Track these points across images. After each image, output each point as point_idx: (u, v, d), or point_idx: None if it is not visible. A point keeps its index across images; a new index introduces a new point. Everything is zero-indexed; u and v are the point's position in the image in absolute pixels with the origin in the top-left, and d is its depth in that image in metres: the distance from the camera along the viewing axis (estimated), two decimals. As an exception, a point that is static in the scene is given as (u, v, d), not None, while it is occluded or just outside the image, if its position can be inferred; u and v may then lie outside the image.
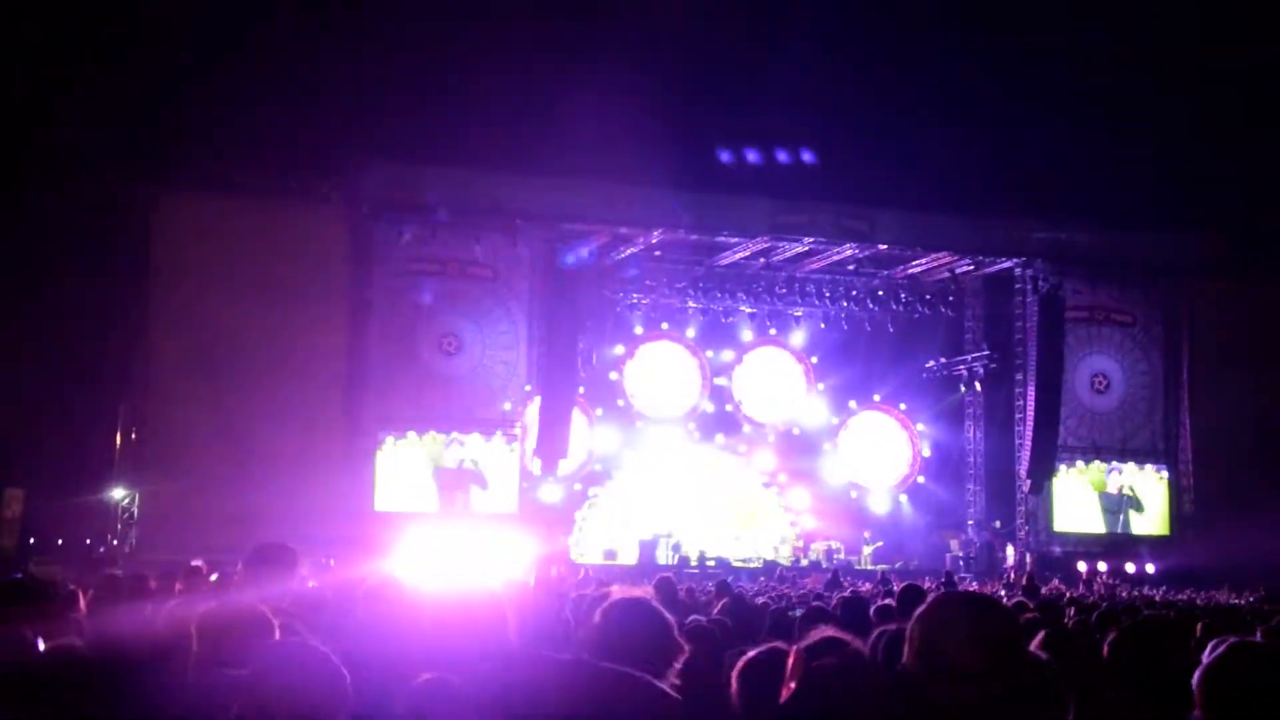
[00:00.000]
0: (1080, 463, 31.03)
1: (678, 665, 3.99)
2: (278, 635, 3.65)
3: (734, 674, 4.13)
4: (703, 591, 13.91)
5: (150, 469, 25.69)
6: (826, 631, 4.76)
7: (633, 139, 25.71)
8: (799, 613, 7.91)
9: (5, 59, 24.76)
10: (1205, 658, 5.39)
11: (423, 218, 27.25)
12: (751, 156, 28.44)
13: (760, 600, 11.79)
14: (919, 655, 2.97)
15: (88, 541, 27.79)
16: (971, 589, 21.64)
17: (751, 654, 4.09)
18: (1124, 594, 22.90)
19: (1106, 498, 31.04)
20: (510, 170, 27.43)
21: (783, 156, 28.08)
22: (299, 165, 27.36)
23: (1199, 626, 7.42)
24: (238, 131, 26.69)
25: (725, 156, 28.21)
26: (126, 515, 26.14)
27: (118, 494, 26.37)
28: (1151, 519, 31.34)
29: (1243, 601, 20.53)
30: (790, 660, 3.59)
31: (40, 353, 27.34)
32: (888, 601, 8.34)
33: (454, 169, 27.39)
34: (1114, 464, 31.12)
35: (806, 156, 28.42)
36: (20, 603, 4.34)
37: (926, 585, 13.17)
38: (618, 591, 4.27)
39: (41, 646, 3.91)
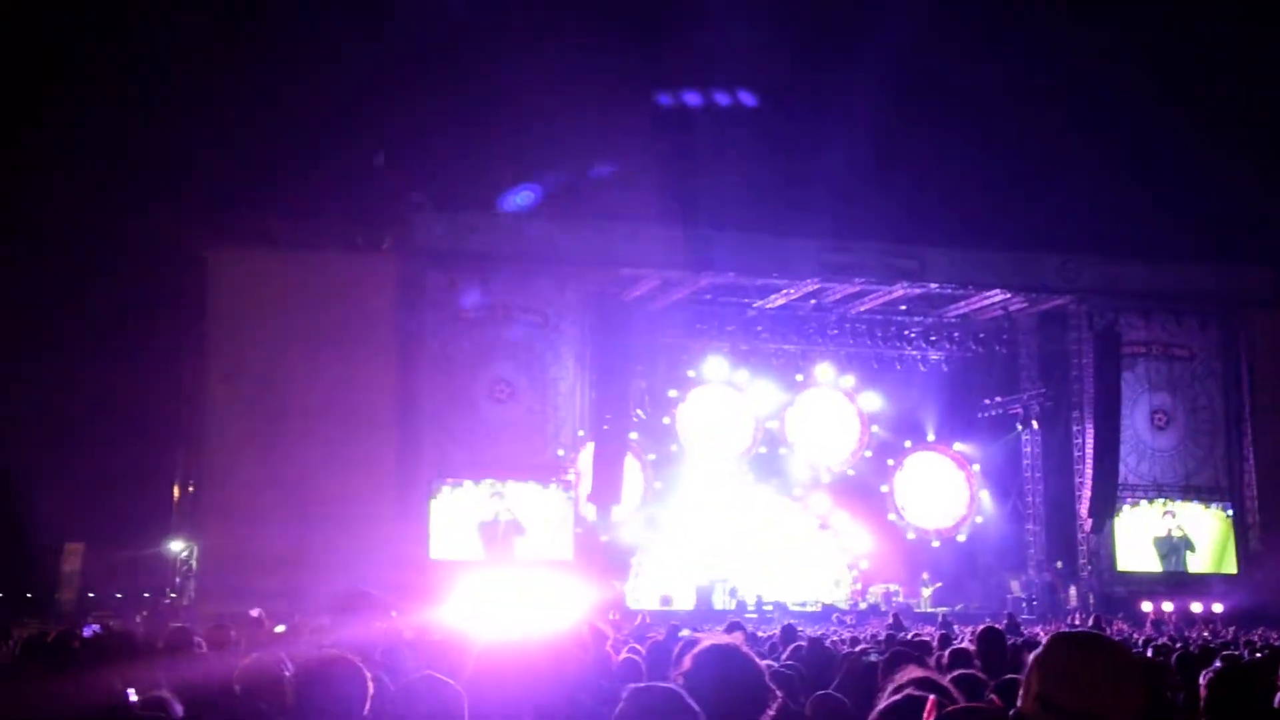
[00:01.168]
0: (1143, 501, 30.53)
1: (771, 712, 3.89)
2: (370, 685, 3.60)
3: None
4: (766, 638, 13.70)
5: (208, 520, 25.82)
6: (915, 672, 4.65)
7: (682, 184, 25.81)
8: (874, 657, 7.75)
9: (64, 111, 25.22)
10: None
11: (472, 265, 27.40)
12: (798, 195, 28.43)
13: (829, 643, 11.60)
14: (1040, 699, 2.86)
15: (146, 594, 28.00)
16: (1084, 630, 21.29)
17: (890, 700, 3.97)
18: (1194, 634, 22.41)
19: (1160, 541, 30.50)
20: (560, 216, 27.56)
21: (831, 195, 28.00)
22: (350, 215, 27.67)
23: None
24: (291, 182, 27.06)
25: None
26: (185, 567, 26.27)
27: (176, 546, 26.53)
28: (1209, 558, 30.73)
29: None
30: (928, 708, 3.49)
31: (96, 407, 27.68)
32: (965, 645, 8.16)
33: (504, 216, 27.56)
34: (1167, 508, 30.57)
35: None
36: (107, 655, 4.31)
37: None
38: (708, 637, 4.17)
39: (133, 697, 3.88)
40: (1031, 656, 2.99)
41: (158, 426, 27.98)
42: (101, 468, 28.51)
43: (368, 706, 3.55)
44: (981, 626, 8.07)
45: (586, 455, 28.01)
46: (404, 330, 27.32)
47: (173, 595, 26.31)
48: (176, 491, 27.08)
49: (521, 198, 27.16)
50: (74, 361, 27.19)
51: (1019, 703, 2.98)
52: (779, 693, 4.02)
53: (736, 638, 4.70)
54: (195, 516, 26.26)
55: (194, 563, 26.10)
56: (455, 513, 27.39)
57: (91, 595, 27.54)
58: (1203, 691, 5.21)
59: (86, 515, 27.44)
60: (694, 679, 3.88)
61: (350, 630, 5.14)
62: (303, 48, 27.25)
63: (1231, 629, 23.96)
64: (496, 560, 27.30)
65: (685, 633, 9.86)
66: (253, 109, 27.70)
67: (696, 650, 4.00)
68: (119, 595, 29.32)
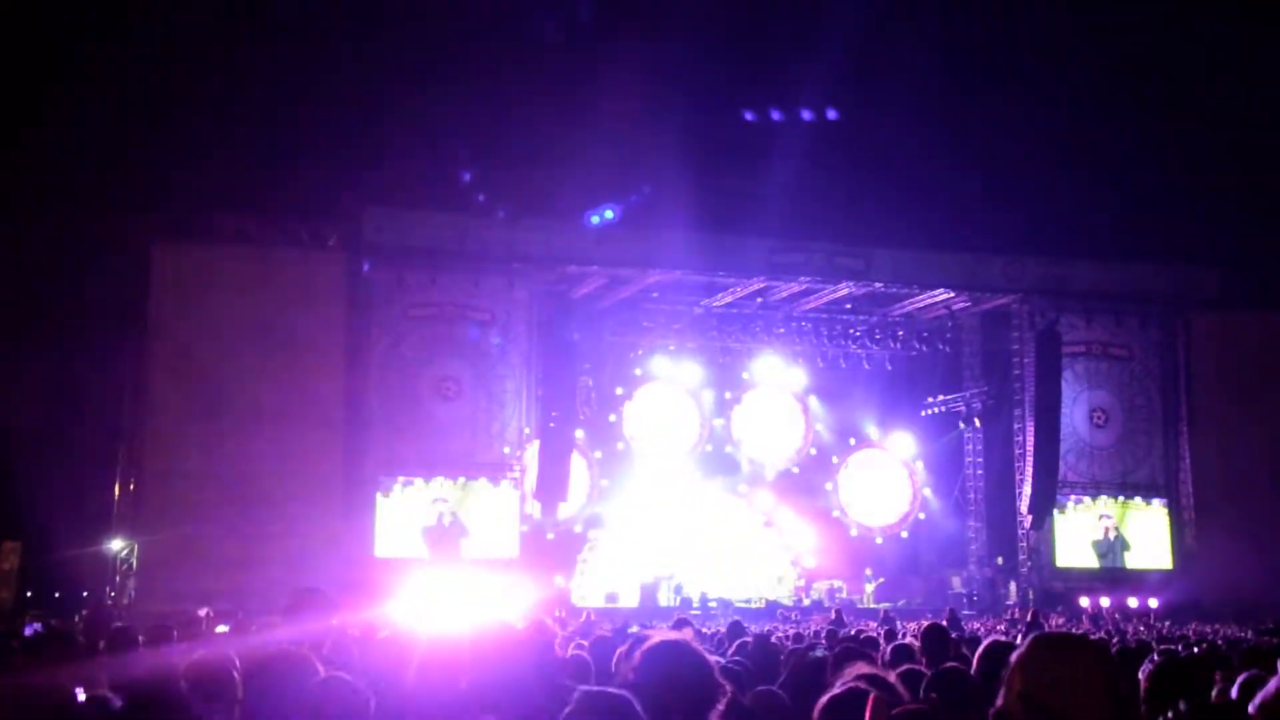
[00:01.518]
0: (1084, 499, 30.94)
1: (720, 707, 3.93)
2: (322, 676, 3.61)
3: (817, 713, 4.11)
4: (712, 634, 13.78)
5: (149, 519, 25.50)
6: (863, 669, 4.73)
7: (629, 180, 25.84)
8: (820, 653, 7.83)
9: (5, 103, 24.85)
10: (1238, 691, 5.36)
11: (420, 262, 27.30)
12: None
13: (774, 640, 11.68)
14: (1023, 698, 2.94)
15: (85, 594, 27.59)
16: (1060, 630, 21.61)
17: (833, 693, 4.04)
18: (1130, 629, 22.77)
19: (1097, 544, 30.95)
20: (507, 213, 27.51)
21: (779, 193, 28.13)
22: (296, 211, 27.44)
23: (1234, 659, 7.37)
24: (235, 177, 26.79)
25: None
26: (125, 566, 25.93)
27: (116, 545, 26.17)
28: (1146, 553, 31.21)
29: (1248, 634, 20.44)
30: (870, 702, 3.55)
31: (35, 403, 27.25)
32: (908, 641, 8.26)
33: (451, 213, 27.46)
34: (1103, 511, 31.00)
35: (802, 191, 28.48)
36: (49, 654, 4.27)
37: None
38: (658, 634, 4.21)
39: (81, 696, 3.86)
40: (1013, 657, 3.06)
41: (98, 423, 27.60)
42: (39, 465, 28.08)
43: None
44: (926, 623, 8.18)
45: (533, 453, 28.00)
46: (351, 327, 27.16)
47: (112, 595, 25.94)
48: (117, 490, 26.71)
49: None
50: (12, 356, 26.73)
51: (999, 701, 3.05)
52: (728, 687, 4.06)
53: (686, 634, 4.75)
54: (136, 515, 25.92)
55: (134, 562, 25.77)
56: (401, 511, 27.26)
57: (29, 594, 27.11)
58: (1143, 685, 5.31)
59: (24, 514, 27.00)
60: (644, 675, 3.91)
61: (300, 628, 5.14)
62: (250, 41, 26.99)
63: (1167, 623, 24.40)
64: (442, 561, 27.21)
65: (634, 629, 9.92)
66: (199, 102, 27.40)
67: (646, 646, 4.04)
68: (57, 595, 28.90)
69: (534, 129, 27.56)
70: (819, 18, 28.48)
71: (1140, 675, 5.39)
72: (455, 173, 26.94)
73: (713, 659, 7.45)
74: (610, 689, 3.73)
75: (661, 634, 4.37)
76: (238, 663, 3.89)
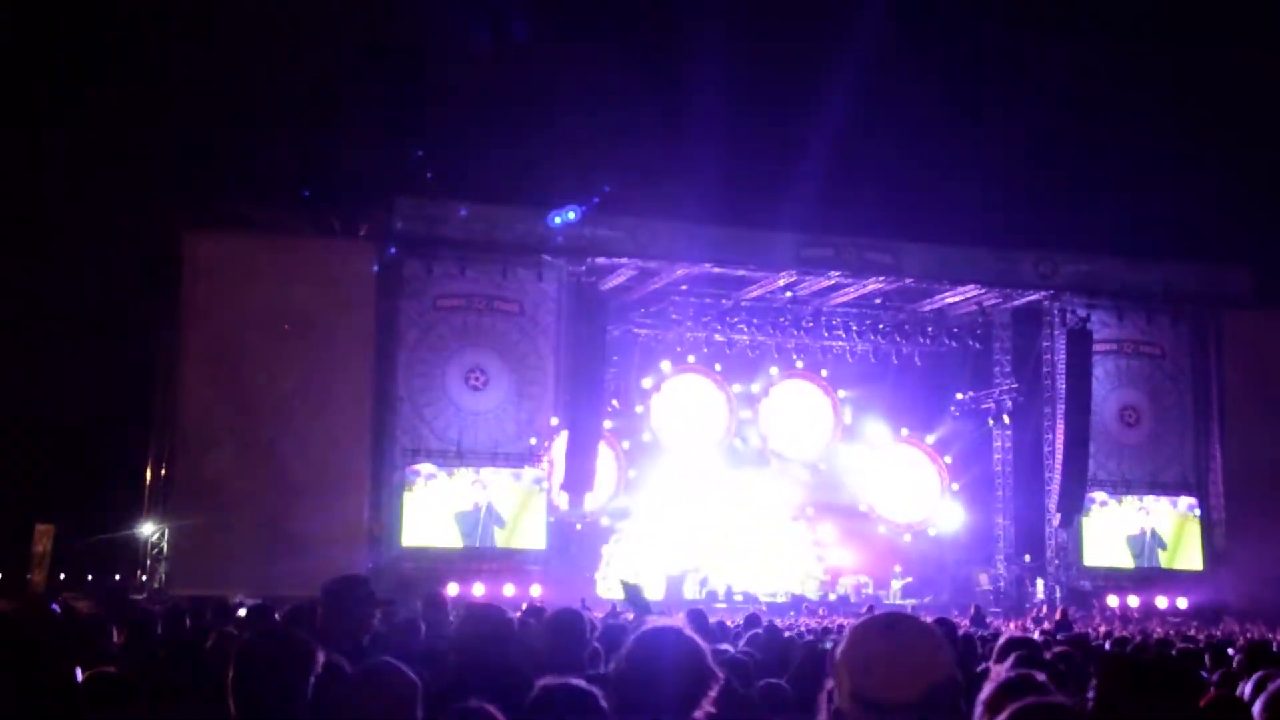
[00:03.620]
0: (1113, 497, 30.76)
1: (712, 694, 3.94)
2: (319, 664, 3.66)
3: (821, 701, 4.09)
4: (733, 625, 13.81)
5: (180, 504, 25.76)
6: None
7: (660, 173, 25.87)
8: (830, 645, 7.86)
9: (42, 97, 25.15)
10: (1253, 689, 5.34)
11: (450, 253, 27.44)
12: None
13: (788, 634, 11.71)
14: (854, 697, 2.71)
15: (117, 577, 27.95)
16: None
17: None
18: (1157, 629, 22.65)
19: (1133, 539, 30.75)
20: (536, 204, 27.61)
21: (808, 187, 28.08)
22: (327, 201, 27.64)
23: (1234, 660, 7.35)
24: (267, 167, 26.99)
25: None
26: (156, 550, 26.22)
27: (147, 529, 26.48)
28: (1180, 554, 31.02)
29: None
30: None
31: (69, 389, 27.61)
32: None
33: (481, 204, 27.58)
34: (1140, 507, 30.81)
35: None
36: (56, 633, 4.37)
37: (956, 618, 13.07)
38: (652, 621, 4.25)
39: (80, 676, 3.95)
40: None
41: (131, 409, 27.92)
42: (73, 449, 28.46)
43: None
44: (935, 618, 8.20)
45: (560, 444, 28.08)
46: (381, 317, 27.32)
47: (143, 578, 26.24)
48: (149, 475, 27.01)
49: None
50: (46, 344, 27.08)
51: (835, 702, 2.78)
52: (720, 675, 4.09)
53: (678, 619, 4.79)
54: (167, 500, 26.20)
55: (165, 546, 26.06)
56: (431, 500, 27.42)
57: (63, 576, 27.48)
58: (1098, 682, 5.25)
59: (58, 497, 27.37)
60: (631, 661, 3.94)
61: (339, 614, 5.23)
62: (280, 31, 27.19)
63: (1194, 624, 24.26)
64: (474, 548, 27.39)
65: (654, 618, 9.99)
66: (231, 91, 27.64)
67: (638, 632, 4.08)
68: (90, 578, 29.29)
69: (563, 119, 27.62)
70: (855, 12, 28.45)
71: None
72: (484, 162, 27.00)
73: (723, 647, 7.49)
74: (572, 680, 3.77)
75: (656, 620, 4.41)
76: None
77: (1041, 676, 3.82)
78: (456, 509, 27.41)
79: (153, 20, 26.10)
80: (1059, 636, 10.20)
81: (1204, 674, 6.97)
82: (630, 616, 12.73)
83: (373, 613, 5.86)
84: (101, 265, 26.98)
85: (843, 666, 2.74)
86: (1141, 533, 30.77)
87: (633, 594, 8.05)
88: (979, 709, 3.48)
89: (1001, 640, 6.89)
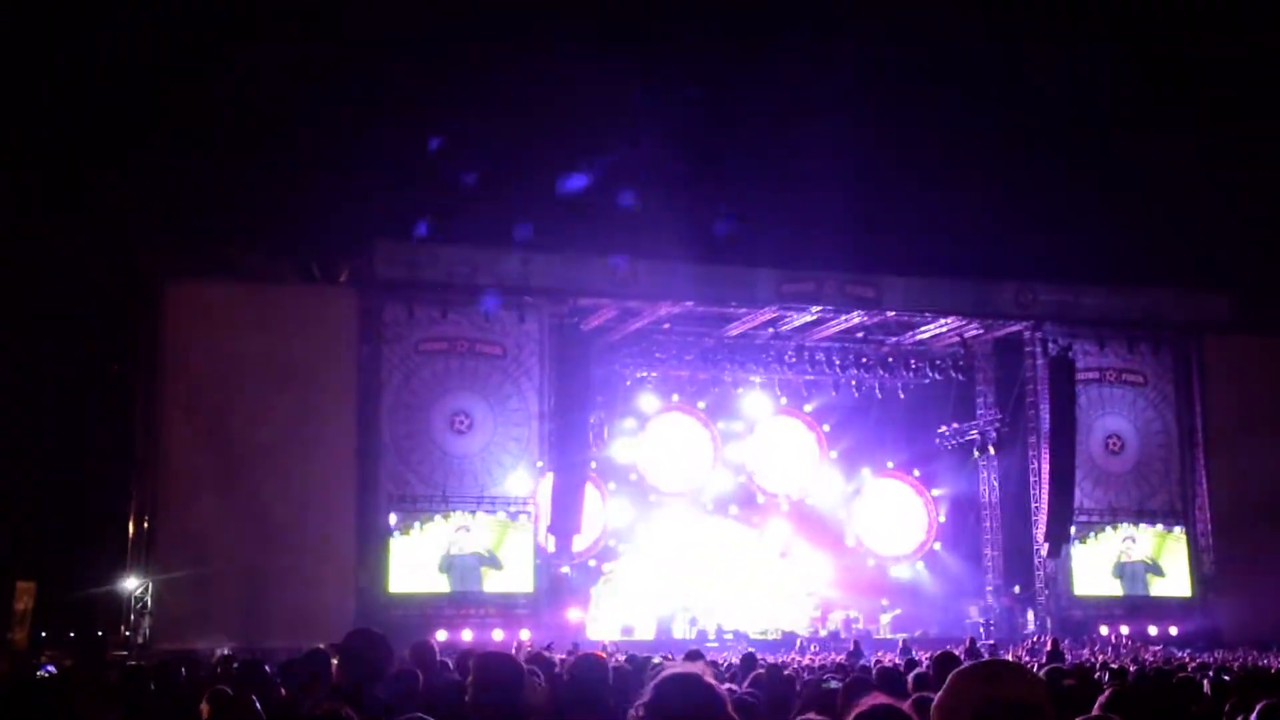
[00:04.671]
0: (1100, 526, 30.75)
1: (732, 740, 3.88)
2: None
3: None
4: (725, 665, 13.70)
5: (163, 557, 25.48)
6: (879, 698, 4.67)
7: (640, 213, 25.90)
8: (833, 683, 7.78)
9: (15, 147, 25.05)
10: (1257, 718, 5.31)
11: (432, 296, 27.37)
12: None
13: (788, 672, 11.61)
14: None
15: (100, 634, 27.58)
16: (993, 656, 21.36)
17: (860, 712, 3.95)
18: (1149, 657, 22.60)
19: (1120, 567, 30.73)
20: (518, 246, 27.59)
21: (789, 226, 28.20)
22: (307, 247, 27.57)
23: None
24: (246, 215, 26.92)
25: (723, 228, 28.28)
26: (140, 605, 25.89)
27: (131, 583, 26.16)
28: (1168, 581, 31.00)
29: (1271, 662, 20.26)
30: None
31: (49, 443, 27.35)
32: (926, 670, 8.21)
33: (462, 247, 27.54)
34: (1128, 535, 30.82)
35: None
36: (65, 695, 4.25)
37: (955, 652, 12.98)
38: (671, 665, 4.18)
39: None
40: (934, 703, 2.97)
41: (113, 461, 27.65)
42: (54, 504, 28.15)
43: None
44: (939, 653, 8.14)
45: (546, 486, 27.95)
46: (363, 362, 27.19)
47: (127, 634, 25.89)
48: (131, 528, 26.72)
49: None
50: (26, 396, 26.83)
51: None
52: (739, 721, 4.02)
53: (699, 666, 4.72)
54: (151, 553, 25.90)
55: (149, 600, 25.73)
56: (417, 546, 27.19)
57: (44, 635, 27.10)
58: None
59: (39, 553, 27.04)
60: (655, 708, 3.88)
61: (354, 672, 5.16)
62: (261, 76, 27.20)
63: (1185, 651, 24.21)
64: (462, 593, 27.18)
65: (657, 660, 9.88)
66: (210, 139, 27.59)
67: (658, 679, 4.00)
68: (72, 634, 28.87)
69: (542, 163, 27.68)
70: (840, 48, 28.63)
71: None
72: (465, 205, 27.03)
73: (725, 688, 7.40)
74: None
75: (675, 666, 4.34)
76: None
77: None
78: (443, 554, 27.19)
79: (129, 66, 26.07)
80: (1049, 666, 10.12)
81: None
82: (622, 659, 12.63)
83: (390, 667, 5.78)
84: (80, 315, 26.79)
85: (938, 712, 2.90)
86: (1130, 561, 30.75)
87: None
88: None
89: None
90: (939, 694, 2.98)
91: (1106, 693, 5.29)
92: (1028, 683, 2.99)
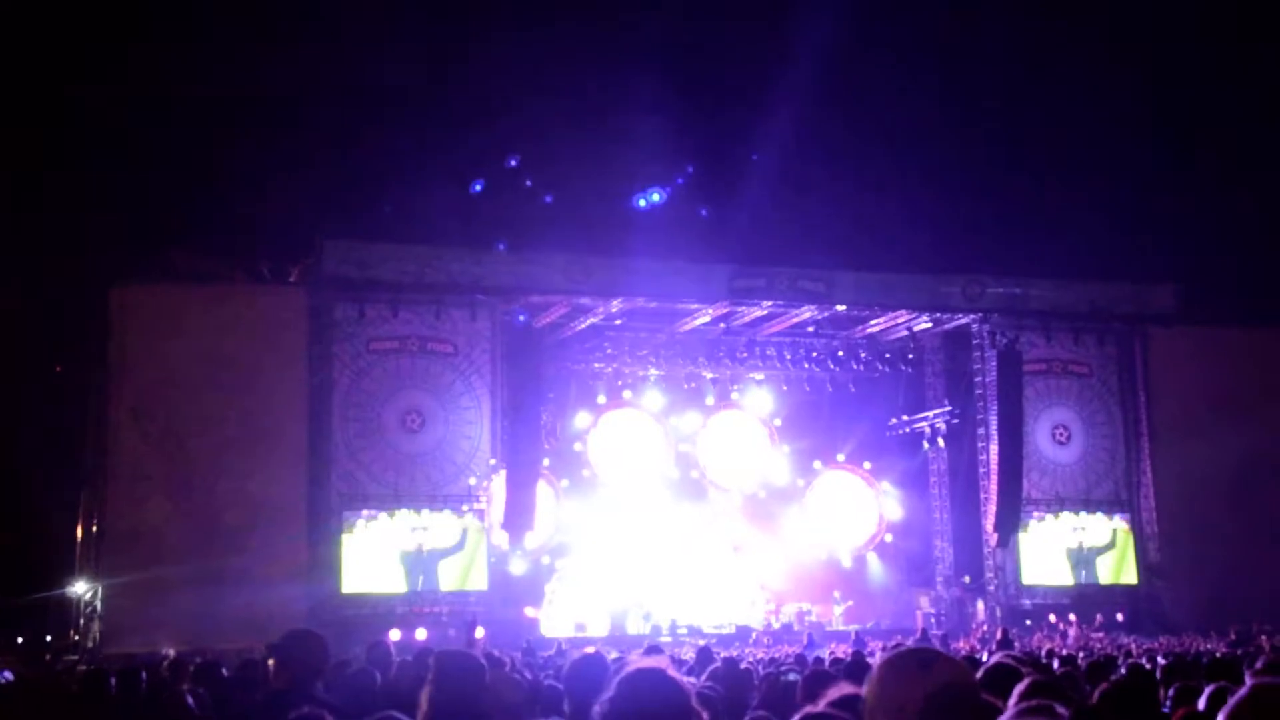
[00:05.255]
0: (1047, 515, 31.13)
1: (698, 734, 3.93)
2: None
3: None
4: (682, 661, 13.78)
5: (112, 560, 25.21)
6: (847, 689, 4.73)
7: (589, 209, 25.93)
8: (792, 676, 7.86)
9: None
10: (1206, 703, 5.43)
11: (382, 295, 27.25)
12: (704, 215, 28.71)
13: (744, 665, 11.69)
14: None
15: (49, 639, 27.27)
16: (945, 646, 21.67)
17: (817, 711, 4.00)
18: (1097, 645, 22.95)
19: (1068, 555, 31.11)
20: (468, 244, 27.53)
21: (741, 219, 28.30)
22: (255, 246, 27.36)
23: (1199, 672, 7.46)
24: (194, 215, 26.68)
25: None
26: (89, 609, 25.61)
27: (80, 588, 25.86)
28: (1115, 569, 31.44)
29: (1215, 647, 20.64)
30: None
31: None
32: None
33: (411, 245, 27.43)
34: (1075, 524, 31.21)
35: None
36: (27, 702, 4.25)
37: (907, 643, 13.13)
38: (635, 661, 4.22)
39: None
40: (867, 678, 3.06)
41: (59, 466, 27.32)
42: (1, 509, 27.78)
43: None
44: (891, 643, 8.25)
45: (499, 483, 27.92)
46: (314, 362, 27.04)
47: (76, 638, 25.60)
48: (80, 532, 26.41)
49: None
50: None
51: None
52: (705, 715, 4.07)
53: (662, 660, 4.76)
54: (99, 557, 25.62)
55: (98, 604, 25.45)
56: (370, 545, 27.08)
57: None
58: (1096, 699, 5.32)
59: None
60: (619, 703, 3.91)
61: (293, 669, 5.15)
62: (206, 76, 26.96)
63: (1132, 637, 24.61)
64: (416, 591, 27.10)
65: (614, 655, 9.90)
66: (154, 141, 27.30)
67: (623, 674, 4.04)
68: (20, 640, 28.52)
69: (491, 159, 27.63)
70: (785, 40, 28.76)
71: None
72: (414, 204, 26.93)
73: (687, 681, 7.45)
74: None
75: (639, 660, 4.38)
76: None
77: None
78: (396, 553, 27.10)
79: (75, 68, 25.75)
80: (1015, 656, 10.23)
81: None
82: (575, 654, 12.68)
83: (326, 666, 5.80)
84: (27, 320, 26.44)
85: (871, 691, 2.95)
86: (1077, 549, 31.15)
87: None
88: None
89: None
90: (871, 688, 3.04)
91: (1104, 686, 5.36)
92: (958, 665, 3.09)
